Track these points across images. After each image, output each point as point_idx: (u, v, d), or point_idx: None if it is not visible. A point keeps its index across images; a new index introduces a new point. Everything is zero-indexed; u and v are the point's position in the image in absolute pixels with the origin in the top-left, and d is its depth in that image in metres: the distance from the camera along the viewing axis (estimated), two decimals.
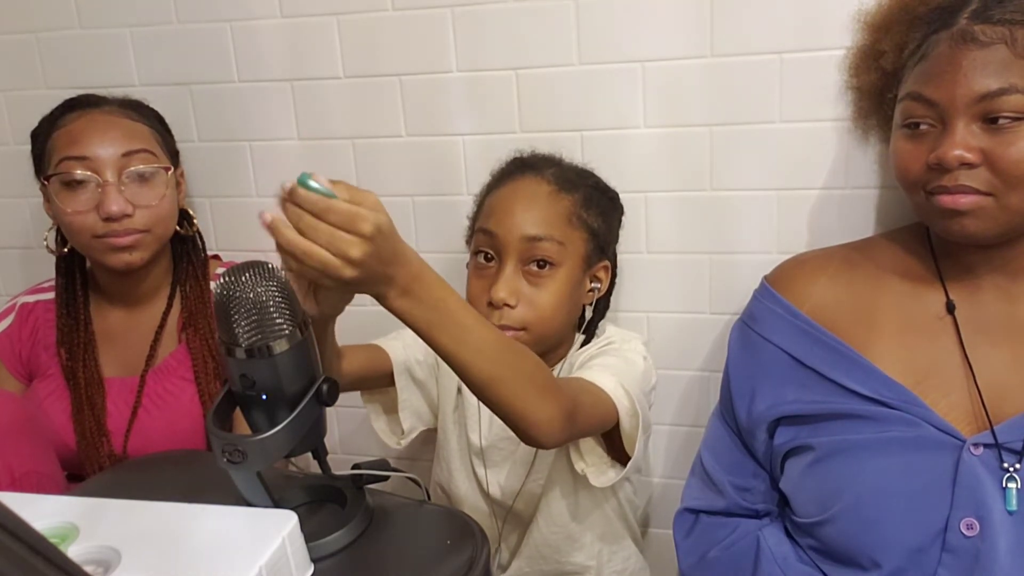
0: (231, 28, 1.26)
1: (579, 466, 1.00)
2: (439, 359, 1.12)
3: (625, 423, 0.95)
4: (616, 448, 1.01)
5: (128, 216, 1.10)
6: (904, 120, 0.89)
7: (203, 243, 1.24)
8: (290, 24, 1.23)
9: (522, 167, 1.09)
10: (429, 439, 1.20)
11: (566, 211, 1.03)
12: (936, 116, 0.85)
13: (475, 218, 1.10)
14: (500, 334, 0.80)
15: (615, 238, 1.13)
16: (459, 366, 0.77)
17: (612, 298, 1.16)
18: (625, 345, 1.07)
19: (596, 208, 1.06)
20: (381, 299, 0.72)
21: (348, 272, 0.67)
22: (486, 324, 0.79)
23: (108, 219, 1.09)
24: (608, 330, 1.12)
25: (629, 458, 0.99)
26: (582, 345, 1.10)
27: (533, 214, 1.02)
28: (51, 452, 1.07)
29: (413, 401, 1.12)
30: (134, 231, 1.11)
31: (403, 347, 1.09)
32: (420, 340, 1.09)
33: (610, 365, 1.00)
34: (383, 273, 0.70)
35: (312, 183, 0.66)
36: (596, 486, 1.01)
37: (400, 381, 1.08)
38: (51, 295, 1.22)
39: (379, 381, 1.08)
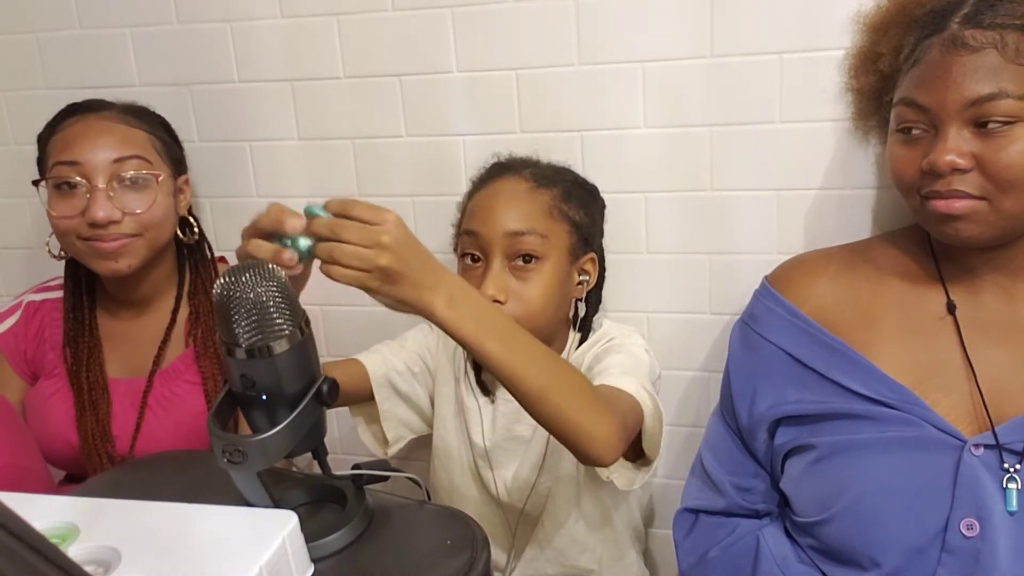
0: (231, 28, 1.26)
1: (604, 473, 0.99)
2: (431, 368, 1.14)
3: (649, 425, 0.95)
4: (631, 450, 1.01)
5: (115, 222, 1.09)
6: (898, 125, 0.89)
7: (211, 253, 1.24)
8: (290, 24, 1.23)
9: (500, 169, 1.10)
10: (428, 441, 1.20)
11: (546, 205, 1.04)
12: (928, 121, 0.85)
13: (459, 224, 1.11)
14: (545, 347, 0.81)
15: (599, 231, 1.13)
16: (511, 376, 0.78)
17: (613, 299, 1.16)
18: (626, 340, 1.08)
19: (576, 201, 1.07)
20: (430, 311, 0.75)
21: (383, 259, 0.71)
22: (531, 335, 0.81)
23: (93, 225, 1.09)
24: (604, 325, 1.13)
25: (640, 458, 0.99)
26: (580, 344, 1.10)
27: (514, 210, 1.03)
28: (34, 448, 1.08)
29: (398, 412, 1.12)
30: (121, 236, 1.10)
31: (382, 360, 1.10)
32: (402, 353, 1.12)
33: (623, 365, 1.01)
34: (419, 268, 0.74)
35: (317, 210, 0.73)
36: (623, 489, 1.00)
37: (380, 394, 1.09)
38: (58, 294, 1.22)
39: (359, 396, 1.08)
